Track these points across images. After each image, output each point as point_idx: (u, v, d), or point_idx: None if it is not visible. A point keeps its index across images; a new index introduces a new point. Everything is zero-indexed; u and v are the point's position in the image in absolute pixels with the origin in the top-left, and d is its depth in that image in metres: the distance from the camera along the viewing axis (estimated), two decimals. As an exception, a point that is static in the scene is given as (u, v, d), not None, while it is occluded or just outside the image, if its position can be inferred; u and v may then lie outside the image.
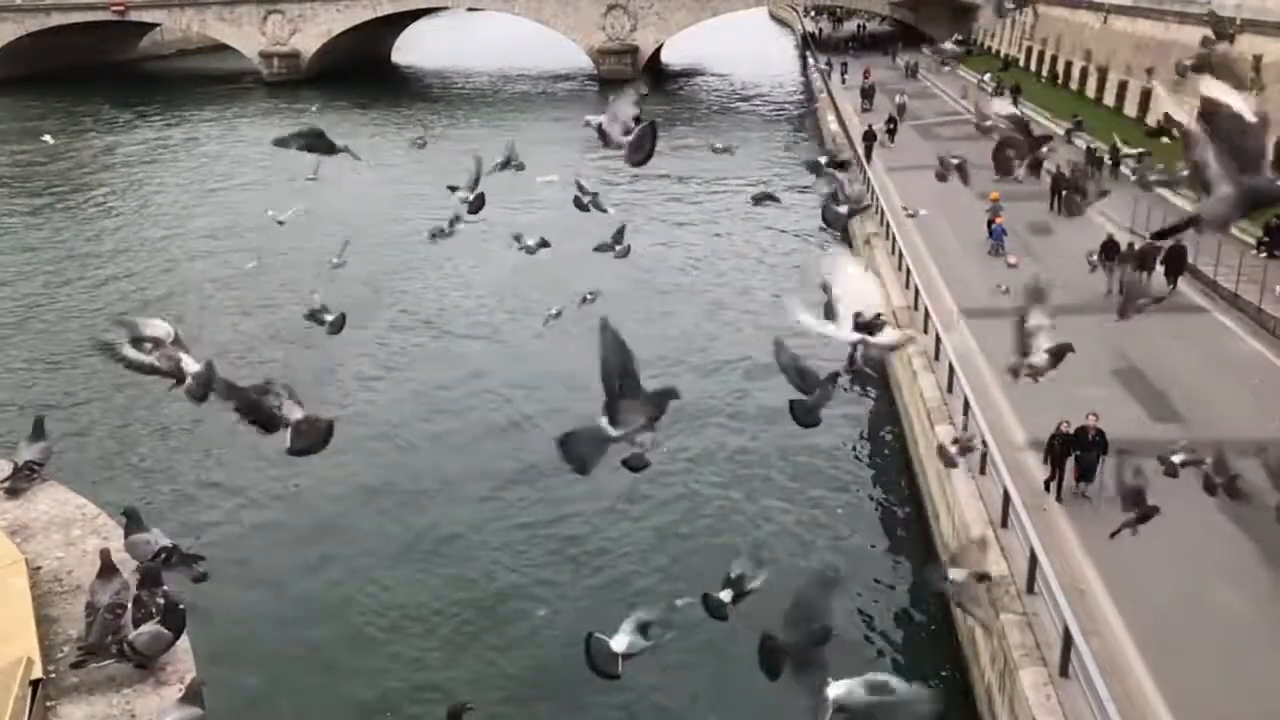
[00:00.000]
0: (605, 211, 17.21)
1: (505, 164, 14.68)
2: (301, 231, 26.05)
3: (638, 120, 9.06)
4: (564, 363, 24.92)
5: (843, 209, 12.02)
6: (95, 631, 8.29)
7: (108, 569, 8.76)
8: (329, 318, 13.88)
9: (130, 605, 8.33)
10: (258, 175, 43.80)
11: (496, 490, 19.05)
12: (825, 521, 17.65)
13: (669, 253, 33.91)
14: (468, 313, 28.73)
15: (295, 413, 7.76)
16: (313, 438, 7.96)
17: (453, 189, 14.19)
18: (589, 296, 19.53)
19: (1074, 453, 14.33)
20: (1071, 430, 14.25)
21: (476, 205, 13.94)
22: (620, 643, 8.33)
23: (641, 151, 9.49)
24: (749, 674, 13.99)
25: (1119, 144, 30.08)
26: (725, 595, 8.89)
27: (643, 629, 8.40)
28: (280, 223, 22.63)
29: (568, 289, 29.72)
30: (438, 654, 14.64)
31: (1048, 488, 14.57)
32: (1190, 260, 23.14)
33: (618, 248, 17.96)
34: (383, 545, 17.35)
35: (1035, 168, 34.86)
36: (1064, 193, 29.71)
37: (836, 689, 7.18)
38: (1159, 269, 22.90)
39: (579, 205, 16.69)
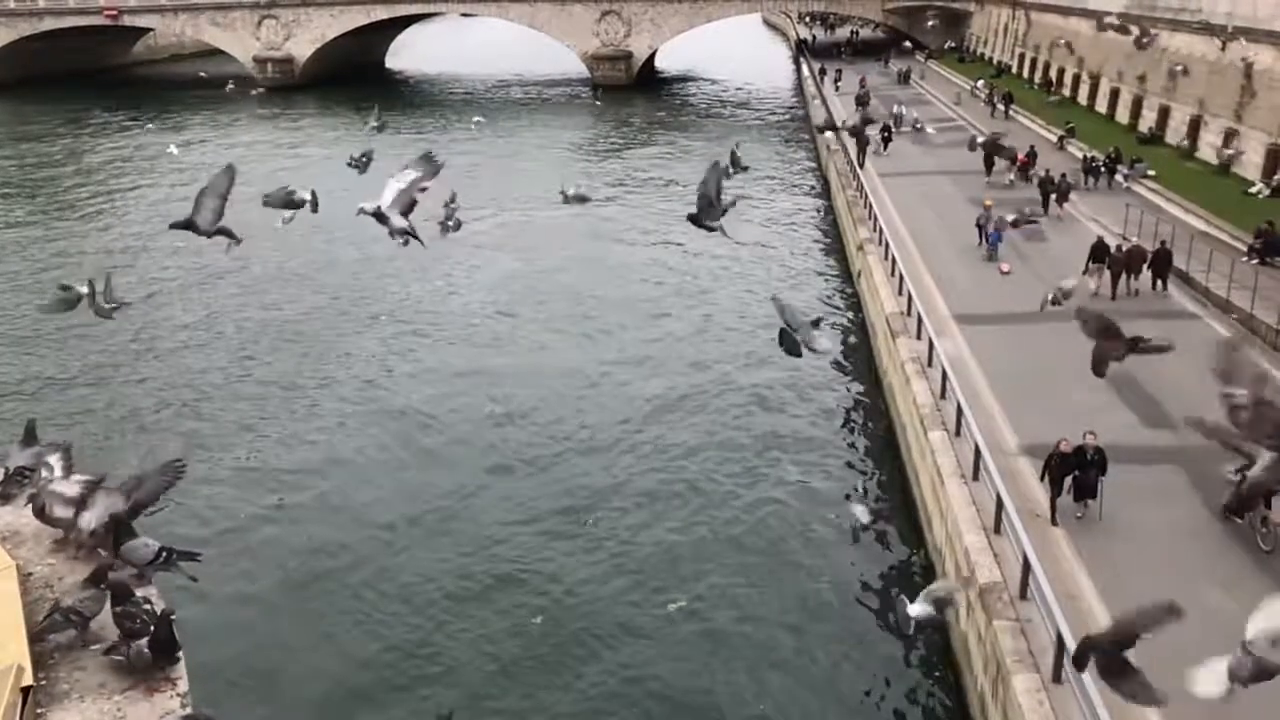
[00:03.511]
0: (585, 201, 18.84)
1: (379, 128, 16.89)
2: (299, 232, 26.03)
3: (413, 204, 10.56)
4: (560, 359, 24.97)
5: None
6: (45, 626, 8.62)
7: (93, 579, 8.91)
8: (107, 305, 13.33)
9: (115, 618, 8.55)
10: (253, 177, 43.66)
11: (494, 487, 19.10)
12: (817, 527, 17.64)
13: (665, 253, 33.96)
14: (461, 312, 28.76)
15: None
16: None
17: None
18: (451, 207, 20.35)
19: (1073, 472, 13.74)
20: (1070, 449, 13.76)
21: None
22: (915, 609, 10.75)
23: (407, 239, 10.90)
24: (742, 664, 14.14)
25: None
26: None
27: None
28: (296, 208, 22.83)
29: (559, 288, 29.94)
30: (437, 645, 14.76)
31: (1054, 520, 13.85)
32: (1182, 267, 23.16)
33: (450, 221, 19.84)
34: (380, 540, 17.40)
35: (1024, 171, 35.22)
36: (1053, 196, 29.96)
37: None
38: (1146, 273, 23.04)
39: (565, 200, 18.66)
